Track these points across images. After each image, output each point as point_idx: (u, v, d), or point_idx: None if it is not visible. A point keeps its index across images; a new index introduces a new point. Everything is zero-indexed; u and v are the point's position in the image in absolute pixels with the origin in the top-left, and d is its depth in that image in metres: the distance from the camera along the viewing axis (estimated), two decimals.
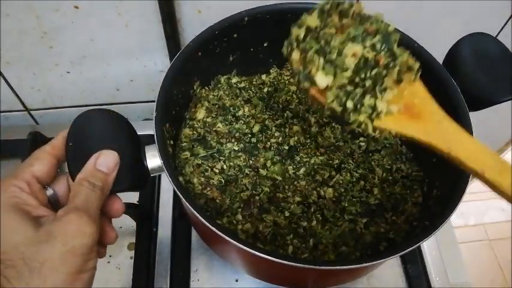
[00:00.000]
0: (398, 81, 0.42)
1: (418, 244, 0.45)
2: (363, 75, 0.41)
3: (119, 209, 0.43)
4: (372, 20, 0.43)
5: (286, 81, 0.68)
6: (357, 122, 0.42)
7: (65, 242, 0.34)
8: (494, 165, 0.38)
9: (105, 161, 0.41)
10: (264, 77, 0.69)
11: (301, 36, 0.44)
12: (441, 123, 0.42)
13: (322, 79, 0.42)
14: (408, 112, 0.43)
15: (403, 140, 0.43)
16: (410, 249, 0.44)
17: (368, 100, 0.41)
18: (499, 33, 0.75)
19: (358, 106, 0.41)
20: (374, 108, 0.42)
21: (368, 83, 0.41)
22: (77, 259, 0.34)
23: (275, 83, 0.68)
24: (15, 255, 0.33)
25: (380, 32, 0.42)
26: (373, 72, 0.41)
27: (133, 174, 0.44)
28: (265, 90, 0.67)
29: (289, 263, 0.42)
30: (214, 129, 0.62)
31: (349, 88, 0.41)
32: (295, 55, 0.44)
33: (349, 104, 0.41)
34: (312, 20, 0.44)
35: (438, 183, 0.56)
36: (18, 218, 0.35)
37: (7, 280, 0.32)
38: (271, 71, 0.69)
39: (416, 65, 0.44)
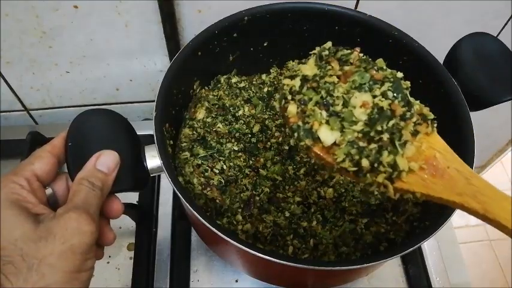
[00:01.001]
0: (414, 133, 0.38)
1: (418, 244, 0.45)
2: (379, 128, 0.36)
3: (118, 209, 0.43)
4: (376, 66, 0.39)
5: None
6: (375, 184, 0.38)
7: (64, 239, 0.34)
8: None
9: (105, 161, 0.41)
10: (264, 76, 0.68)
11: (297, 87, 0.40)
12: (470, 181, 0.37)
13: (327, 134, 0.37)
14: (431, 169, 0.38)
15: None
16: (410, 249, 0.44)
17: (386, 157, 0.37)
18: (499, 33, 0.75)
19: (376, 165, 0.37)
20: (394, 166, 0.37)
21: (385, 136, 0.36)
22: (76, 258, 0.34)
23: (275, 82, 0.68)
24: (13, 251, 0.33)
25: (387, 79, 0.38)
26: (390, 123, 0.37)
27: (133, 174, 0.44)
28: (265, 90, 0.67)
29: (290, 263, 0.42)
30: (214, 129, 0.62)
31: (362, 144, 0.37)
32: (292, 108, 0.39)
33: (365, 163, 0.36)
34: (308, 69, 0.40)
35: None
36: (18, 214, 0.35)
37: (5, 276, 0.32)
38: (271, 70, 0.69)
39: (431, 115, 0.39)
